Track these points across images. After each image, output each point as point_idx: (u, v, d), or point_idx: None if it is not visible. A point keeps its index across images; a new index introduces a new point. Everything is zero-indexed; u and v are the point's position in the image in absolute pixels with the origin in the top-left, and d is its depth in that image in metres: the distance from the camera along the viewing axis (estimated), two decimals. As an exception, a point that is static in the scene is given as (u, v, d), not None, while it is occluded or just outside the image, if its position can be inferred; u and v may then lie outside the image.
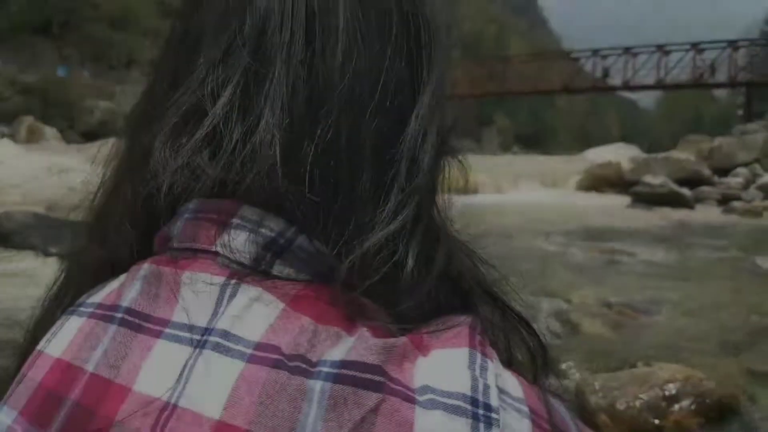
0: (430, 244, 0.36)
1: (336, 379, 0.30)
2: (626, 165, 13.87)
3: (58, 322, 0.39)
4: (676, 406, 2.49)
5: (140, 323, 0.36)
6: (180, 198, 0.38)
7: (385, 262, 0.34)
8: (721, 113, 53.88)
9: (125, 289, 0.37)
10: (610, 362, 3.05)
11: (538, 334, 0.39)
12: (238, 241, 0.36)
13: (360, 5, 0.38)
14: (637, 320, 3.85)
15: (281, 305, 0.34)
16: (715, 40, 26.88)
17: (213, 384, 0.32)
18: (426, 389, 0.30)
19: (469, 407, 0.30)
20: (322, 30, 0.37)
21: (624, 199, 12.09)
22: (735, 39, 26.92)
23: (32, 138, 19.43)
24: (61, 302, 0.43)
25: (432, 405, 0.30)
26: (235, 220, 0.36)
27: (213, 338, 0.33)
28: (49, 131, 20.33)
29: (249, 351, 0.32)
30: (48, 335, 0.39)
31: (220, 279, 0.35)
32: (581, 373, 2.86)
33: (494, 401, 0.30)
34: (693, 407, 2.49)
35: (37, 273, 4.47)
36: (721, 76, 25.81)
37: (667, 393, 2.52)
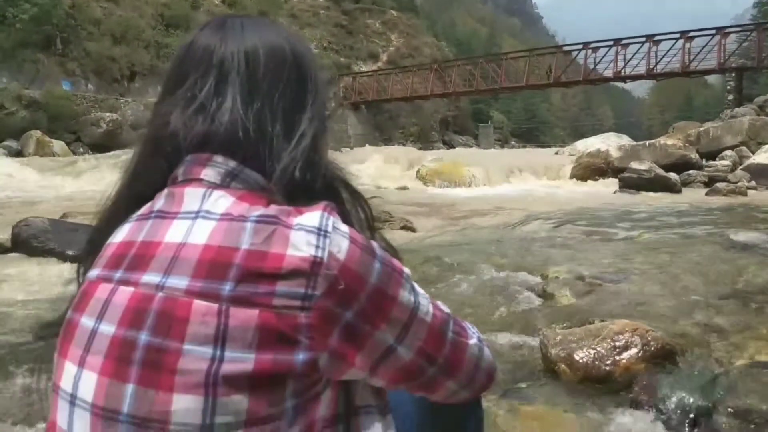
0: (316, 166, 0.72)
1: (257, 221, 0.66)
2: (615, 153, 14.13)
3: (117, 229, 0.74)
4: (625, 354, 2.74)
5: (164, 216, 0.71)
6: (183, 143, 0.73)
7: (291, 178, 0.70)
8: (714, 98, 53.72)
9: (155, 203, 0.73)
10: (573, 322, 3.38)
11: (370, 206, 0.76)
12: (213, 173, 0.72)
13: (271, 57, 0.75)
14: (604, 288, 4.14)
15: (233, 198, 0.69)
16: (703, 27, 26.96)
17: (202, 231, 0.67)
18: (297, 225, 0.65)
19: (316, 230, 0.65)
20: (253, 64, 0.74)
21: (612, 186, 12.33)
22: (723, 26, 27.01)
23: (40, 151, 19.88)
24: (114, 219, 0.77)
25: (298, 229, 0.65)
26: (211, 162, 0.72)
27: (201, 214, 0.68)
28: (57, 144, 20.78)
29: (218, 217, 0.67)
30: (112, 236, 0.74)
31: (203, 189, 0.71)
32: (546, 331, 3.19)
33: (330, 229, 0.65)
34: (639, 354, 2.72)
35: (54, 275, 4.80)
36: (712, 63, 25.95)
37: (617, 343, 2.76)
